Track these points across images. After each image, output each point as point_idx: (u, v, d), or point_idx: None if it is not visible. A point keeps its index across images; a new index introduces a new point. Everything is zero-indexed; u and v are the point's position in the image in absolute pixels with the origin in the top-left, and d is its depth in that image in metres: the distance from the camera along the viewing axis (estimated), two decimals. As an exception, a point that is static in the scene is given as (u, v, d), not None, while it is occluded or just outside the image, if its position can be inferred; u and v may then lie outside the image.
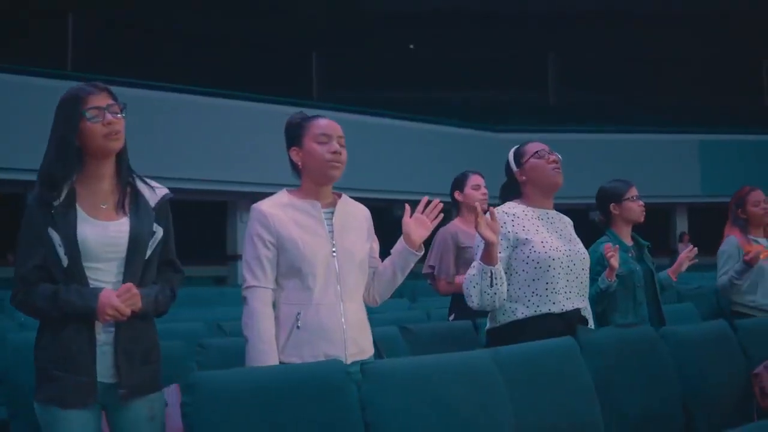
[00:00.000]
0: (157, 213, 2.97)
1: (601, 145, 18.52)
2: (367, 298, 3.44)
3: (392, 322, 5.08)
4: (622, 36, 20.63)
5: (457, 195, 5.21)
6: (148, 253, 2.92)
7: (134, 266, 2.88)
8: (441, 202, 3.41)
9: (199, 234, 15.99)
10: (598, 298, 4.40)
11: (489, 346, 3.70)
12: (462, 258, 5.01)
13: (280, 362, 3.10)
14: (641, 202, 4.83)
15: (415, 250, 3.33)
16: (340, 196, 3.41)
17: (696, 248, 5.12)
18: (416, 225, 3.34)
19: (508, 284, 3.71)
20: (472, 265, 3.71)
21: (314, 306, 3.16)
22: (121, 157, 2.96)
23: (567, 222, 4.01)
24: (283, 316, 3.17)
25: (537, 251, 3.73)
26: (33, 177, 2.93)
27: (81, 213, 2.83)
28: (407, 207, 3.37)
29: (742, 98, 22.76)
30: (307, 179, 3.33)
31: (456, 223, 5.17)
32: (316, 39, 20.49)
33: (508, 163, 4.02)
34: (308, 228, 3.22)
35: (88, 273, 2.81)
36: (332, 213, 3.31)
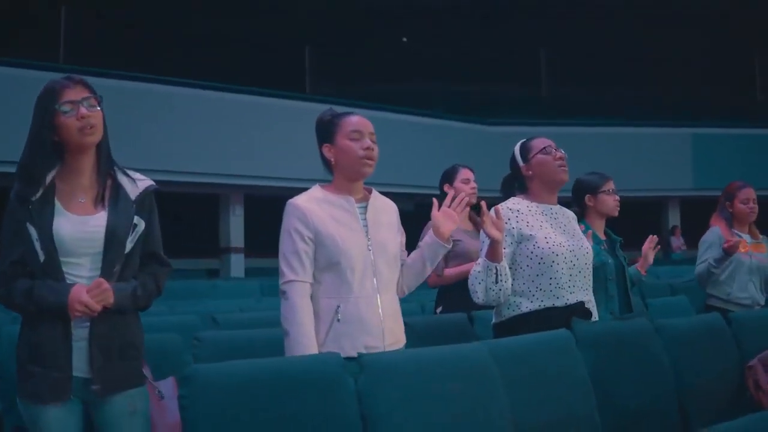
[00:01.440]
0: (138, 205, 2.94)
1: (593, 138, 18.53)
2: (396, 289, 3.52)
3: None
4: (615, 30, 20.63)
5: (446, 188, 5.18)
6: (129, 246, 2.90)
7: (111, 260, 2.85)
8: (433, 195, 3.48)
9: (192, 227, 16.00)
10: None
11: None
12: (451, 251, 5.00)
13: None
14: (617, 197, 4.84)
15: (444, 243, 3.43)
16: (370, 191, 3.50)
17: (656, 237, 5.11)
18: (444, 218, 3.44)
19: (513, 279, 3.77)
20: (477, 261, 3.78)
21: (354, 299, 3.26)
22: (101, 150, 2.92)
23: (570, 216, 4.06)
24: (323, 309, 3.26)
25: (541, 247, 3.78)
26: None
27: (58, 207, 2.82)
28: (435, 201, 3.50)
29: (735, 92, 22.81)
30: (340, 175, 3.41)
31: None
32: (309, 33, 20.46)
33: (513, 157, 4.04)
34: (344, 223, 3.32)
35: (65, 268, 2.79)
36: (365, 208, 3.41)
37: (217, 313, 5.28)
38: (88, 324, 2.80)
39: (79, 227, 2.82)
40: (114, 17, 17.56)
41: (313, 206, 3.30)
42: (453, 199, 3.50)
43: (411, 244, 3.65)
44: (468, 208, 4.92)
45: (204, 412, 2.55)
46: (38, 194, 2.79)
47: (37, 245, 2.76)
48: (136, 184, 2.98)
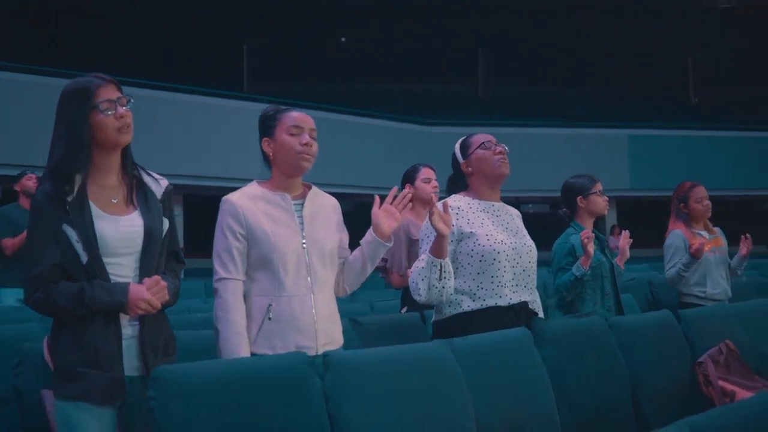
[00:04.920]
0: (162, 205, 2.96)
1: (530, 138, 18.73)
2: (337, 288, 3.46)
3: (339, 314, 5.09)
4: (552, 30, 20.88)
5: (407, 188, 5.17)
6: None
7: (150, 260, 2.86)
8: (409, 193, 3.44)
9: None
10: (570, 286, 4.56)
11: (435, 338, 3.71)
12: (413, 251, 5.00)
13: (251, 354, 3.11)
14: (606, 197, 5.03)
15: (385, 241, 3.35)
16: (309, 187, 3.43)
17: (628, 232, 5.24)
18: (385, 216, 3.36)
19: (455, 278, 3.70)
20: (420, 257, 3.69)
21: (286, 297, 3.19)
22: (126, 150, 2.92)
23: (514, 214, 4.01)
24: (254, 307, 3.20)
25: (482, 245, 3.72)
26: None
27: (94, 208, 2.79)
28: (377, 198, 3.39)
29: (669, 94, 23.28)
30: (278, 171, 3.35)
31: (407, 216, 5.15)
32: (247, 32, 20.38)
33: (454, 155, 4.02)
34: (279, 219, 3.25)
35: (107, 269, 2.77)
36: (302, 204, 3.33)
37: (169, 314, 5.21)
38: (137, 322, 2.81)
39: (119, 227, 2.81)
40: (50, 11, 17.32)
41: (247, 202, 3.24)
42: (395, 196, 3.42)
43: (353, 244, 3.56)
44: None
45: (173, 412, 2.53)
46: (73, 195, 2.75)
47: (78, 247, 2.72)
48: (159, 183, 3.00)
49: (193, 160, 14.44)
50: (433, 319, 3.92)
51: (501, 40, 21.85)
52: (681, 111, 22.75)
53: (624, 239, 5.21)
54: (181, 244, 15.91)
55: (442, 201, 3.64)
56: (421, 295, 3.63)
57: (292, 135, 3.29)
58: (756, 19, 20.49)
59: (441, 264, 3.56)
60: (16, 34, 16.63)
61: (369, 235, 3.37)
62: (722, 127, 20.83)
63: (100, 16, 17.96)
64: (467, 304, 3.73)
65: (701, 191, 5.83)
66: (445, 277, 3.59)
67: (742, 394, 4.10)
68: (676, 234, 5.76)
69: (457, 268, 3.74)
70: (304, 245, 3.25)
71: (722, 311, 4.85)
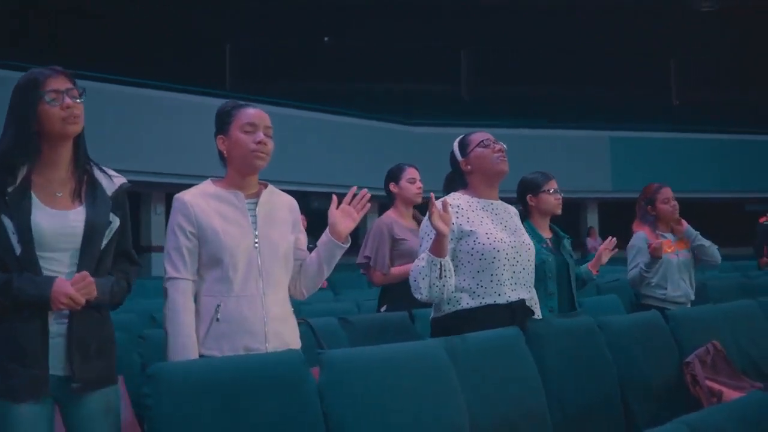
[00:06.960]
0: (113, 202, 2.89)
1: (513, 139, 18.57)
2: (294, 291, 3.40)
3: (325, 313, 5.09)
4: (536, 31, 20.92)
5: (392, 187, 5.16)
6: (104, 243, 2.84)
7: (89, 256, 2.79)
8: (368, 193, 3.39)
9: (112, 225, 15.72)
10: None
11: (433, 336, 3.72)
12: (396, 250, 5.00)
13: (200, 355, 3.04)
14: (559, 196, 4.92)
15: (341, 242, 3.29)
16: (266, 186, 3.35)
17: (615, 239, 5.21)
18: (343, 216, 3.30)
19: (455, 275, 3.69)
20: (420, 256, 3.65)
21: (235, 298, 3.11)
22: (78, 143, 2.87)
23: (512, 212, 4.01)
24: (204, 308, 3.11)
25: (481, 243, 3.71)
26: None
27: (36, 201, 2.74)
28: (334, 198, 3.33)
29: (651, 96, 23.37)
30: (232, 169, 3.27)
31: (391, 215, 5.14)
32: (229, 30, 20.33)
33: (452, 153, 4.01)
34: (230, 218, 3.17)
35: (41, 262, 2.71)
36: (256, 203, 3.25)
37: (154, 312, 5.21)
38: (66, 320, 2.74)
39: (59, 222, 2.75)
40: (46, 13, 17.24)
41: (199, 201, 3.17)
42: (354, 195, 3.36)
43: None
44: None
45: (168, 410, 2.53)
46: (14, 186, 2.72)
47: (14, 238, 2.67)
48: (112, 180, 2.94)
49: (175, 157, 14.37)
50: (432, 316, 3.90)
51: (484, 40, 21.88)
52: (663, 113, 22.84)
53: (605, 245, 5.17)
54: (163, 243, 15.99)
55: (441, 199, 3.61)
56: (422, 293, 3.60)
57: (246, 132, 3.21)
58: (739, 22, 20.62)
59: (441, 263, 3.54)
60: (16, 34, 16.56)
61: (325, 236, 3.30)
62: (704, 130, 20.91)
63: (100, 16, 17.88)
64: (466, 302, 3.71)
65: (668, 192, 5.79)
66: (445, 276, 3.56)
67: (729, 394, 4.12)
68: (639, 236, 5.74)
69: (456, 266, 3.73)
70: (257, 245, 3.17)
71: (709, 312, 4.87)
